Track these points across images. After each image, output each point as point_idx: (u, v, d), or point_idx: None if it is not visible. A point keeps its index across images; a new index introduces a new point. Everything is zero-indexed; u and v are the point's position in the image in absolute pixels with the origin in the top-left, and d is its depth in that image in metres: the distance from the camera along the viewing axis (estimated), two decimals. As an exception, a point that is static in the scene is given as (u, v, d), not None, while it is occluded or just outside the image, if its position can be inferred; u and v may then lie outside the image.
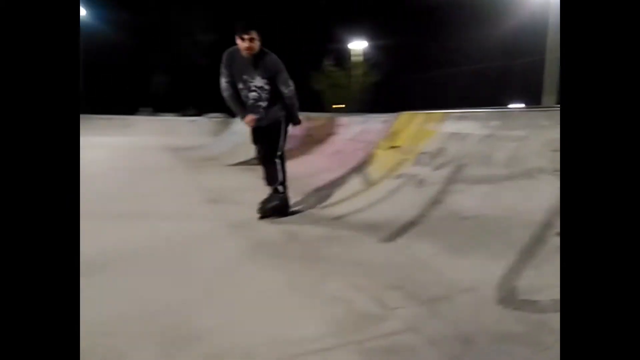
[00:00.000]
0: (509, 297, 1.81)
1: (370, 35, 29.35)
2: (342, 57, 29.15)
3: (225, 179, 5.57)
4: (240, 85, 3.17)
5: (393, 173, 3.66)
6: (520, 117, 3.22)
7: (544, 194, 2.37)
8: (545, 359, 1.41)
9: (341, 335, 1.55)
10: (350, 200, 3.57)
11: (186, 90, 33.24)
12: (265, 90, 3.15)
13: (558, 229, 2.09)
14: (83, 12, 24.21)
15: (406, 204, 3.07)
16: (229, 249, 2.55)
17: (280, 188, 3.34)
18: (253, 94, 3.17)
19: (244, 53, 3.00)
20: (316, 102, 26.23)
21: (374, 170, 3.98)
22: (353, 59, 29.69)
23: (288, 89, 3.18)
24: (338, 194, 3.82)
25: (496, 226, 2.39)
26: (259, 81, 3.12)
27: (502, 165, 2.87)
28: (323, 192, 4.06)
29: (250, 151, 7.97)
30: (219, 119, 16.41)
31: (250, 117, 3.19)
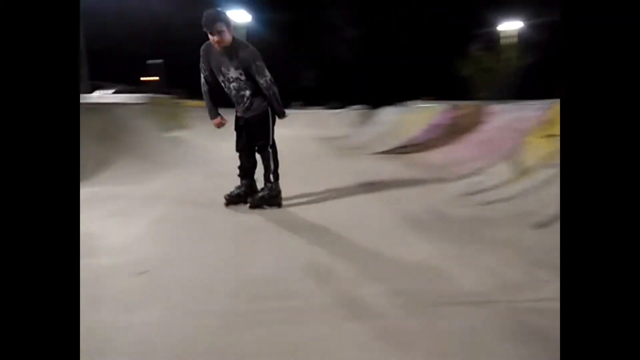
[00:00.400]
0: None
1: (526, 14, 26.53)
2: (491, 40, 27.07)
3: (375, 165, 6.01)
4: (221, 78, 3.25)
5: (549, 162, 3.56)
6: None
7: None
8: None
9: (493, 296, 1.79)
10: (500, 188, 3.62)
11: (332, 85, 35.18)
12: (242, 80, 3.19)
13: None
14: (248, 17, 27.47)
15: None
16: (389, 222, 2.95)
17: (271, 178, 3.39)
18: (233, 84, 3.23)
19: (215, 47, 3.07)
20: (464, 90, 25.02)
21: (528, 158, 3.90)
22: (503, 41, 27.33)
23: (264, 79, 3.16)
24: (487, 182, 3.88)
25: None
26: (233, 72, 3.16)
27: None
28: (470, 180, 4.15)
29: (394, 140, 8.40)
30: (360, 111, 17.12)
31: (218, 120, 3.41)
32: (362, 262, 2.22)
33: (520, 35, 27.04)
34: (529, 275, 1.98)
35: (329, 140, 10.50)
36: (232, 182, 3.55)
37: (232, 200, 3.43)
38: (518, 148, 4.30)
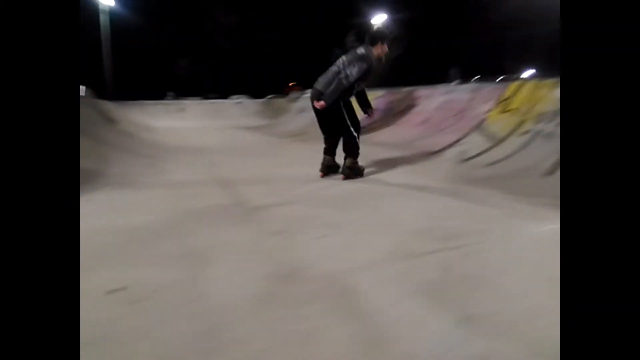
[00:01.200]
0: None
1: (391, 8, 29.69)
2: (366, 32, 29.48)
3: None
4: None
5: (517, 130, 4.68)
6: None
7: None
8: None
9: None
10: (489, 152, 4.62)
11: (208, 74, 33.95)
12: None
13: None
14: (111, 0, 24.70)
15: (545, 151, 4.10)
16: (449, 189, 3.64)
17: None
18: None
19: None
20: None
21: (495, 130, 5.00)
22: (374, 32, 29.95)
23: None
24: (473, 150, 4.85)
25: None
26: None
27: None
28: (453, 150, 5.10)
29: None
30: (266, 100, 17.29)
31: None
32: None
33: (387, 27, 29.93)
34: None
35: (260, 129, 10.67)
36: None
37: (327, 171, 4.20)
38: (479, 123, 5.41)
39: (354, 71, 3.80)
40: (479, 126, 5.34)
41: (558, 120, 4.37)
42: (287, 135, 9.00)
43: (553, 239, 1.85)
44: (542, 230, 2.36)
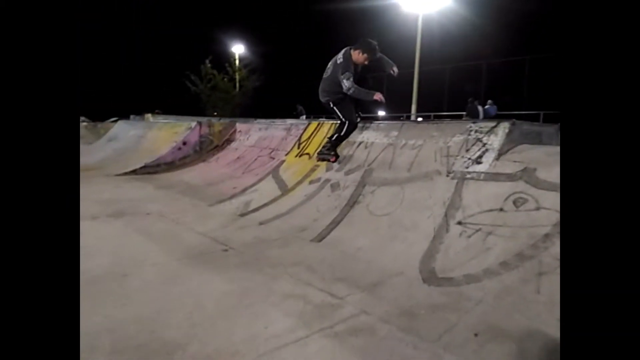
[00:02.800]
0: (431, 277, 2.23)
1: (250, 40, 29.51)
2: (225, 60, 28.60)
3: (125, 190, 5.20)
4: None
5: (307, 178, 3.96)
6: (414, 129, 3.81)
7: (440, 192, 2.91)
8: (468, 320, 1.83)
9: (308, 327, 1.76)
10: (270, 205, 3.76)
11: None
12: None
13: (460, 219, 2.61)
14: None
15: (326, 205, 3.39)
16: (168, 263, 2.54)
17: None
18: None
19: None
20: (194, 106, 25.38)
21: (288, 177, 4.22)
22: (233, 62, 29.38)
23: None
24: (256, 201, 3.96)
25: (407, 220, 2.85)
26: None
27: (402, 169, 3.38)
28: (239, 199, 4.15)
29: (139, 159, 7.57)
30: (85, 124, 14.66)
31: (379, 95, 3.85)
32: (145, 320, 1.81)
33: (242, 59, 29.52)
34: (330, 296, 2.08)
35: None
36: None
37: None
38: (277, 167, 4.61)
39: (345, 82, 3.86)
40: (275, 170, 4.53)
41: (348, 167, 3.76)
42: (84, 170, 7.13)
43: None
44: None
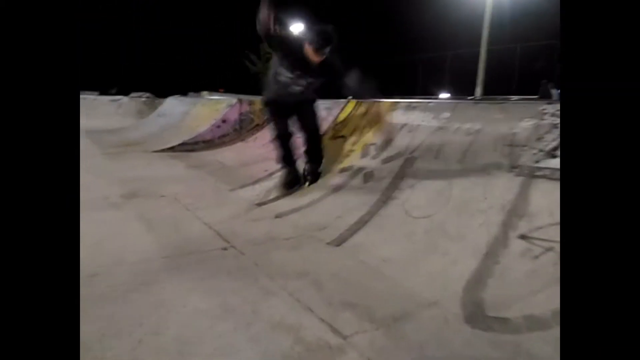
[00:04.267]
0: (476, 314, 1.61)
1: (307, 19, 28.91)
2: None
3: (154, 168, 4.97)
4: (292, 70, 3.23)
5: (339, 165, 3.39)
6: (471, 109, 3.09)
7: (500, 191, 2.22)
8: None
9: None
10: (292, 196, 3.25)
11: (110, 67, 30.49)
12: (310, 82, 3.36)
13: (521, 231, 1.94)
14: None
15: (355, 199, 2.81)
16: (152, 261, 2.12)
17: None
18: (299, 80, 3.32)
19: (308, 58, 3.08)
20: (256, 85, 25.38)
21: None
22: (291, 42, 29.02)
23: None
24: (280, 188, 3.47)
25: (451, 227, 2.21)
26: (307, 79, 3.28)
27: (453, 159, 2.71)
28: (262, 185, 3.69)
29: (180, 135, 7.41)
30: (144, 99, 15.04)
31: None
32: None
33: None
34: (330, 331, 1.53)
35: (101, 134, 8.62)
36: None
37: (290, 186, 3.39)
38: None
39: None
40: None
41: (386, 155, 3.14)
42: (118, 145, 7.09)
43: None
44: None
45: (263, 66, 26.92)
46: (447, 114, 3.11)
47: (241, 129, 6.88)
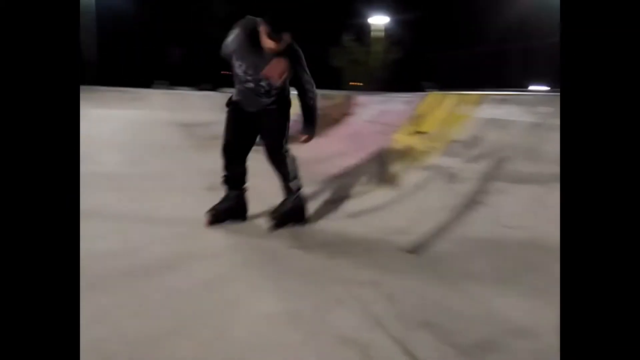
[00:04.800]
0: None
1: (393, 9, 28.09)
2: (363, 32, 28.01)
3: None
4: (248, 72, 2.39)
5: (417, 163, 3.16)
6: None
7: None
8: None
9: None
10: (367, 194, 3.11)
11: (203, 64, 32.62)
12: (272, 87, 2.44)
13: None
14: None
15: (435, 202, 2.59)
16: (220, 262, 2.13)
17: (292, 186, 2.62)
18: (259, 83, 2.43)
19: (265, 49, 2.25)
20: (334, 80, 25.37)
21: (397, 159, 3.48)
22: (373, 34, 28.57)
23: (311, 91, 2.54)
24: (354, 186, 3.35)
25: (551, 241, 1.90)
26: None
27: (551, 161, 2.36)
28: (336, 183, 3.59)
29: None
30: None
31: None
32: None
33: (387, 30, 28.52)
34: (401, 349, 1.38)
35: (191, 128, 9.20)
36: None
37: (220, 217, 2.55)
38: (387, 146, 3.89)
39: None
40: (383, 150, 3.82)
41: (471, 154, 2.86)
42: (205, 137, 7.48)
43: None
44: None
45: (343, 58, 26.88)
46: (545, 108, 2.73)
47: (320, 124, 6.88)
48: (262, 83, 2.36)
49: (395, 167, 3.35)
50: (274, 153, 2.57)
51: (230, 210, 2.60)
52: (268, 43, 2.18)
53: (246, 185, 2.69)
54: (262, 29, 2.17)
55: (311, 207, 2.99)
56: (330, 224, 2.61)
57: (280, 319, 1.54)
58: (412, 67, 27.27)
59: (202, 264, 2.01)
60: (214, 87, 21.05)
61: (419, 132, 3.49)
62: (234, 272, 1.93)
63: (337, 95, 7.15)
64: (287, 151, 2.61)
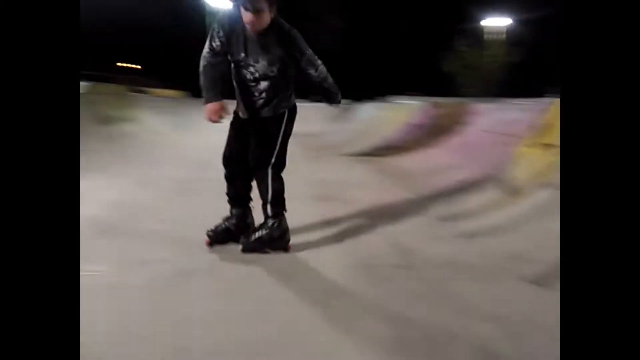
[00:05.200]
0: None
1: (513, 10, 25.97)
2: (476, 36, 26.43)
3: (342, 172, 5.21)
4: (240, 64, 2.27)
5: (544, 180, 2.81)
6: None
7: None
8: None
9: None
10: (485, 212, 2.85)
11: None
12: (271, 77, 2.27)
13: None
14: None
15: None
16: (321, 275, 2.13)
17: (269, 209, 2.35)
18: (255, 76, 2.28)
19: (248, 28, 2.11)
20: (449, 86, 24.26)
21: (519, 173, 3.15)
22: (487, 37, 26.79)
23: (316, 68, 2.32)
24: (469, 202, 3.11)
25: None
26: (264, 68, 2.23)
27: None
28: (448, 197, 3.38)
29: (368, 140, 7.62)
30: (342, 106, 16.19)
31: (217, 106, 2.21)
32: None
33: (508, 31, 26.55)
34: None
35: (301, 138, 9.63)
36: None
37: (219, 237, 2.39)
38: (507, 159, 3.54)
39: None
40: (505, 163, 3.50)
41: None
42: (313, 148, 7.75)
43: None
44: None
45: (456, 64, 25.65)
46: None
47: (429, 134, 6.61)
48: (252, 69, 2.21)
49: (518, 184, 3.02)
50: (257, 167, 2.32)
51: (231, 230, 2.40)
52: (247, 17, 2.03)
53: (251, 202, 2.48)
54: (242, 8, 2.04)
55: (419, 224, 2.85)
56: (443, 245, 2.45)
57: (389, 348, 1.46)
58: (533, 71, 24.80)
59: (309, 280, 2.03)
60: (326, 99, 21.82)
61: (545, 145, 3.11)
62: (339, 290, 1.90)
63: (449, 103, 6.81)
64: (275, 171, 2.33)
